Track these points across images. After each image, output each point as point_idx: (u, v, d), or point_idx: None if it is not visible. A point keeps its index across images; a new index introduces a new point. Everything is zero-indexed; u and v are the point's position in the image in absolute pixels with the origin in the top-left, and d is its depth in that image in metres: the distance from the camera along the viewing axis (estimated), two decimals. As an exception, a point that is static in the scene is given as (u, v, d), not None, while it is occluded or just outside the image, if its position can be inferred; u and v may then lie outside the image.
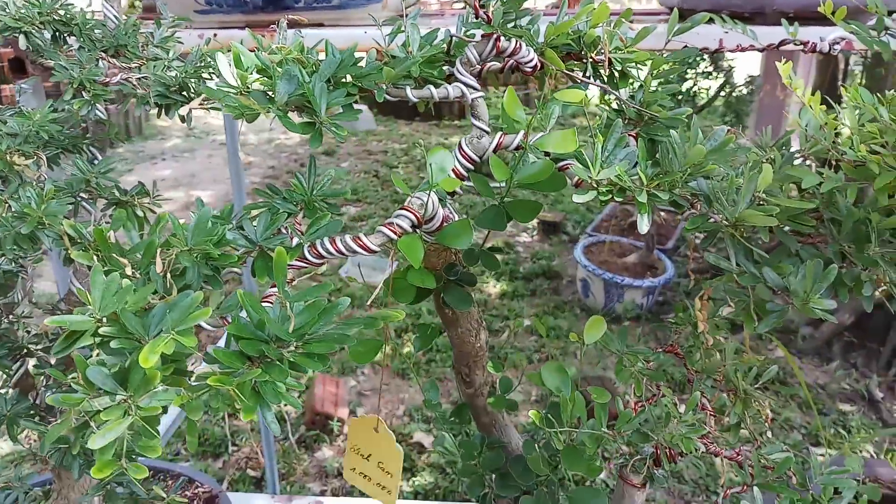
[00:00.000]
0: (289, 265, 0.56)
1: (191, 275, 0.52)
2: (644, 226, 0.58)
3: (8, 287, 0.76)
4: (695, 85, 3.97)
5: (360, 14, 1.26)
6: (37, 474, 1.10)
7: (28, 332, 0.79)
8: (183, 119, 0.65)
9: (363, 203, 4.74)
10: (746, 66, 4.63)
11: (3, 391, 0.79)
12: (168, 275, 0.50)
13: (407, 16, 0.67)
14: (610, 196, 0.59)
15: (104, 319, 0.46)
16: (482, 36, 0.64)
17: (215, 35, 1.13)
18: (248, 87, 0.53)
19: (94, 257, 0.51)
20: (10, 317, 0.78)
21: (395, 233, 0.57)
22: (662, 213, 4.22)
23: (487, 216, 0.65)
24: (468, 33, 0.66)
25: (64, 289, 1.24)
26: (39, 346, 0.80)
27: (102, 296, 0.46)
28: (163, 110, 0.69)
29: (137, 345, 0.45)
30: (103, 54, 0.73)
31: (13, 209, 0.56)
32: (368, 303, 0.57)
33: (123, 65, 0.71)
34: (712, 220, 0.60)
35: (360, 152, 5.82)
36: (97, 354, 0.47)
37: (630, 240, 3.86)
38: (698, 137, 0.62)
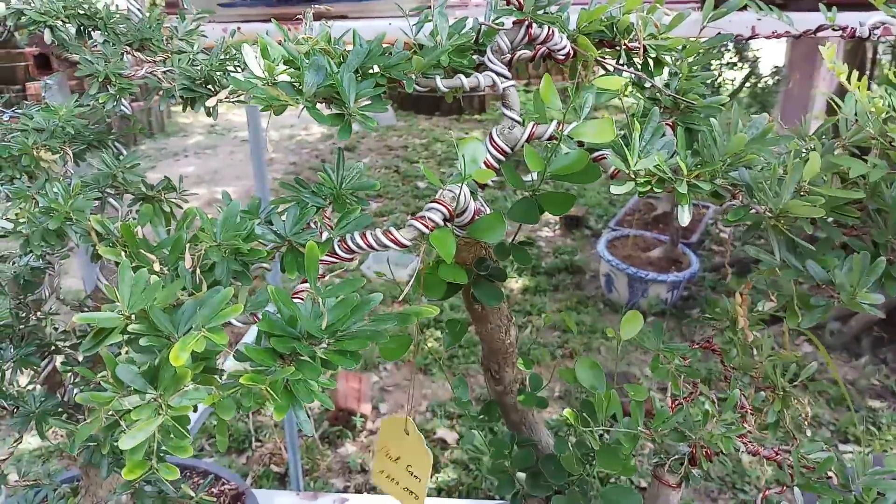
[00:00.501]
0: (319, 260, 0.55)
1: (220, 271, 0.51)
2: (685, 217, 0.56)
3: (36, 284, 0.75)
4: (719, 76, 3.91)
5: (383, 6, 1.25)
6: (65, 470, 1.11)
7: (56, 329, 0.79)
8: (209, 112, 0.64)
9: (384, 199, 4.74)
10: (772, 56, 4.55)
11: (31, 388, 0.79)
12: (198, 270, 0.49)
13: (432, 6, 0.65)
14: (648, 187, 0.57)
15: (133, 316, 0.45)
16: (513, 23, 0.62)
17: (239, 28, 1.13)
18: (275, 79, 0.52)
19: (122, 253, 0.51)
20: (38, 314, 0.78)
21: (426, 226, 0.55)
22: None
23: (519, 209, 0.63)
24: (497, 21, 0.64)
25: (90, 286, 1.24)
26: (67, 343, 0.80)
27: (131, 292, 0.45)
28: (188, 104, 0.68)
29: (167, 342, 0.44)
30: (128, 48, 0.72)
31: (40, 205, 0.55)
32: (400, 298, 0.56)
33: (148, 58, 0.71)
34: (754, 211, 0.58)
35: (380, 147, 5.82)
36: (126, 352, 0.46)
37: (654, 234, 3.81)
38: (738, 126, 0.60)
